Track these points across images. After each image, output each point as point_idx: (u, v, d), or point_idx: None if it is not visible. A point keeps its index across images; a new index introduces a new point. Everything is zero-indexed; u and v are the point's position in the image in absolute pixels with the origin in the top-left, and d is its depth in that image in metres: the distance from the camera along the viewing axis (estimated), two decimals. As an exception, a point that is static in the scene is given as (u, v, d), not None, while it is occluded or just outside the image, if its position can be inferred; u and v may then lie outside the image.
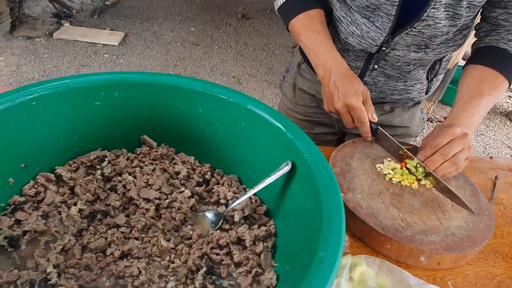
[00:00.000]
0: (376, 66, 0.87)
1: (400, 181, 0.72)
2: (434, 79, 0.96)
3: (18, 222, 0.55)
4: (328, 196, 0.46)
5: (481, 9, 0.80)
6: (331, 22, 0.90)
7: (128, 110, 0.65)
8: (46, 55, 2.89)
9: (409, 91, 0.94)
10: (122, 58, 3.04)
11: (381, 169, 0.74)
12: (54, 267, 0.49)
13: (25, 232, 0.53)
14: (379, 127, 0.79)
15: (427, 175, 0.72)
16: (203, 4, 4.25)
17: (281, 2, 0.87)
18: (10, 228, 0.53)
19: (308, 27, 0.83)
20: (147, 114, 0.67)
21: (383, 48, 0.82)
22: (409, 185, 0.72)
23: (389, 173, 0.73)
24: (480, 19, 0.84)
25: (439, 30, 0.76)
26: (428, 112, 2.69)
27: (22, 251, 0.52)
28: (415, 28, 0.76)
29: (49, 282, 0.47)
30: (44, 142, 0.60)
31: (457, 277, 0.61)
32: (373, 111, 0.77)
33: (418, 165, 0.73)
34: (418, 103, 1.03)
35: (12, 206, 0.55)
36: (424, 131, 2.59)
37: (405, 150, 0.75)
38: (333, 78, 0.77)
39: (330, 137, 1.11)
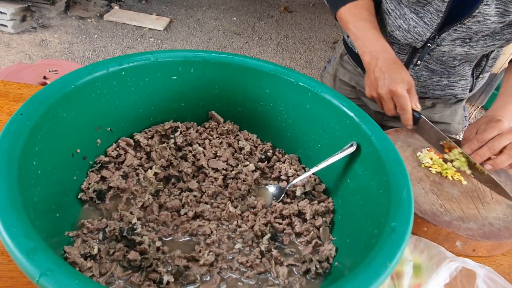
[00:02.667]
0: (419, 62, 0.88)
1: (440, 172, 0.73)
2: (480, 76, 0.95)
3: (103, 179, 0.61)
4: (396, 176, 0.49)
5: None
6: (378, 14, 0.92)
7: (201, 86, 0.70)
8: (96, 36, 3.02)
9: (453, 87, 0.94)
10: (166, 43, 3.13)
11: (421, 158, 0.75)
12: (138, 219, 0.55)
13: (109, 188, 0.59)
14: (422, 115, 0.78)
15: (471, 166, 0.73)
16: (246, -5, 4.28)
17: None
18: (97, 184, 0.59)
19: (356, 16, 0.84)
20: (217, 91, 0.71)
21: (429, 44, 0.83)
22: (450, 177, 0.72)
23: (428, 162, 0.74)
24: None
25: (487, 26, 0.76)
26: (470, 117, 2.63)
27: (107, 204, 0.58)
28: (464, 24, 0.76)
29: (135, 231, 0.52)
30: (127, 110, 0.65)
31: (491, 265, 0.63)
32: (416, 100, 0.77)
33: (461, 155, 0.74)
34: (461, 100, 1.02)
35: (99, 164, 0.61)
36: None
37: (448, 139, 0.76)
38: (379, 65, 0.77)
39: None
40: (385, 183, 0.50)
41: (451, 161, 0.76)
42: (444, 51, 0.84)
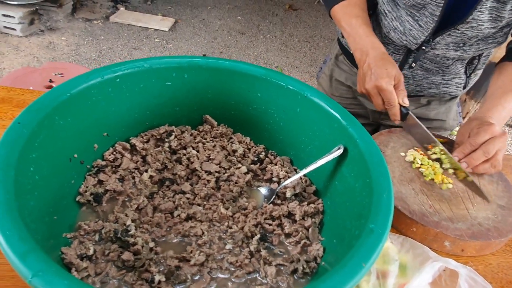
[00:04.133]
0: (414, 65, 0.89)
1: (432, 179, 0.74)
2: (473, 74, 0.95)
3: (100, 182, 0.63)
4: (378, 178, 0.50)
5: None
6: (374, 15, 0.93)
7: (194, 91, 0.72)
8: (102, 37, 3.07)
9: (447, 85, 0.95)
10: (171, 43, 3.16)
11: (405, 155, 0.76)
12: (132, 221, 0.57)
13: (106, 191, 0.62)
14: (409, 111, 0.78)
15: (455, 169, 0.75)
16: (251, -7, 4.29)
17: None
18: (94, 187, 0.62)
19: (348, 13, 0.85)
20: (210, 95, 0.73)
21: (423, 47, 0.84)
22: (441, 182, 0.73)
23: (417, 162, 0.75)
24: None
25: (481, 31, 0.77)
26: (475, 111, 2.61)
27: (103, 207, 0.61)
28: (458, 30, 0.77)
29: (129, 233, 0.55)
30: (123, 115, 0.68)
31: (479, 265, 0.64)
32: (404, 95, 0.77)
33: (443, 154, 0.75)
34: (455, 97, 1.03)
35: (96, 168, 0.64)
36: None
37: (434, 139, 0.77)
38: (368, 61, 0.78)
39: (365, 128, 1.13)
40: (368, 185, 0.51)
41: (435, 159, 0.77)
42: (438, 54, 0.85)
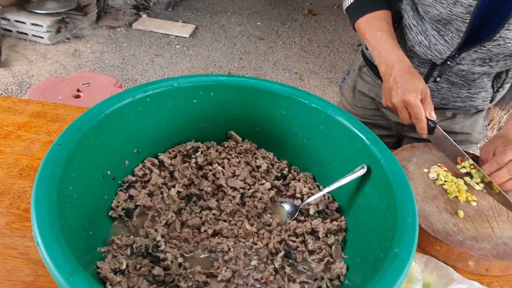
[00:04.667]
0: (439, 79, 0.88)
1: (456, 196, 0.74)
2: (500, 88, 0.94)
3: (131, 197, 0.66)
4: (403, 201, 0.51)
5: None
6: (399, 28, 0.93)
7: (219, 108, 0.75)
8: (125, 44, 3.15)
9: (473, 99, 0.94)
10: (192, 50, 3.22)
11: (428, 171, 0.76)
12: (161, 236, 0.60)
13: (136, 206, 0.65)
14: (437, 125, 0.78)
15: (486, 184, 0.74)
16: (270, -1, 4.32)
17: (349, 3, 0.91)
18: (125, 202, 0.65)
19: (373, 26, 0.85)
20: (235, 112, 0.75)
21: (448, 62, 0.84)
22: (465, 199, 0.73)
23: (440, 179, 0.75)
24: None
25: (508, 49, 0.76)
26: (500, 121, 2.55)
27: (134, 221, 0.63)
28: (484, 47, 0.77)
29: (159, 248, 0.57)
30: (152, 132, 0.71)
31: (505, 285, 0.63)
32: (431, 109, 0.77)
33: (473, 168, 0.75)
34: (482, 110, 1.01)
35: (127, 184, 0.67)
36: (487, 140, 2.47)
37: (463, 153, 0.76)
38: (393, 75, 0.78)
39: (388, 139, 1.13)
40: (392, 207, 0.52)
41: (464, 173, 0.77)
42: (464, 69, 0.84)
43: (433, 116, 0.77)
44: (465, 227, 0.67)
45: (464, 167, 0.78)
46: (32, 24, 2.88)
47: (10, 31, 2.95)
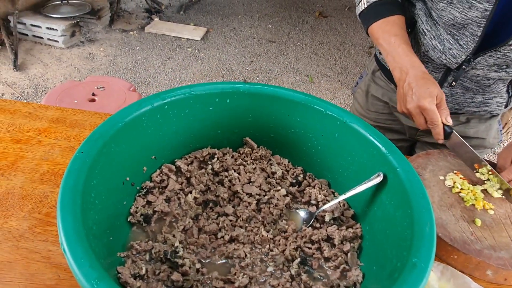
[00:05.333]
0: (454, 84, 0.88)
1: (473, 204, 0.73)
2: None
3: (149, 203, 0.67)
4: (420, 210, 0.51)
5: None
6: (413, 33, 0.93)
7: (235, 115, 0.76)
8: (138, 47, 3.19)
9: (488, 104, 0.93)
10: (203, 53, 3.24)
11: (444, 179, 0.76)
12: (179, 242, 0.61)
13: (154, 212, 0.66)
14: (453, 130, 0.77)
15: (505, 191, 0.74)
16: (281, 1, 4.32)
17: (363, 8, 0.91)
18: (144, 208, 0.66)
19: (387, 32, 0.85)
20: (251, 119, 0.76)
21: (463, 66, 0.83)
22: (482, 207, 0.72)
23: (456, 187, 0.75)
24: None
25: None
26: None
27: (152, 227, 0.65)
28: (500, 51, 0.76)
29: (178, 254, 0.58)
30: (169, 138, 0.72)
31: None
32: (447, 114, 0.76)
33: (491, 174, 0.74)
34: (496, 115, 1.01)
35: (145, 190, 0.68)
36: (501, 144, 2.43)
37: (480, 159, 0.76)
38: (408, 80, 0.78)
39: (401, 144, 1.12)
40: (409, 216, 0.52)
41: (483, 180, 0.76)
42: (479, 74, 0.84)
43: (449, 121, 0.77)
44: (482, 236, 0.67)
45: (481, 173, 0.77)
46: (48, 28, 2.94)
47: (26, 35, 3.01)
